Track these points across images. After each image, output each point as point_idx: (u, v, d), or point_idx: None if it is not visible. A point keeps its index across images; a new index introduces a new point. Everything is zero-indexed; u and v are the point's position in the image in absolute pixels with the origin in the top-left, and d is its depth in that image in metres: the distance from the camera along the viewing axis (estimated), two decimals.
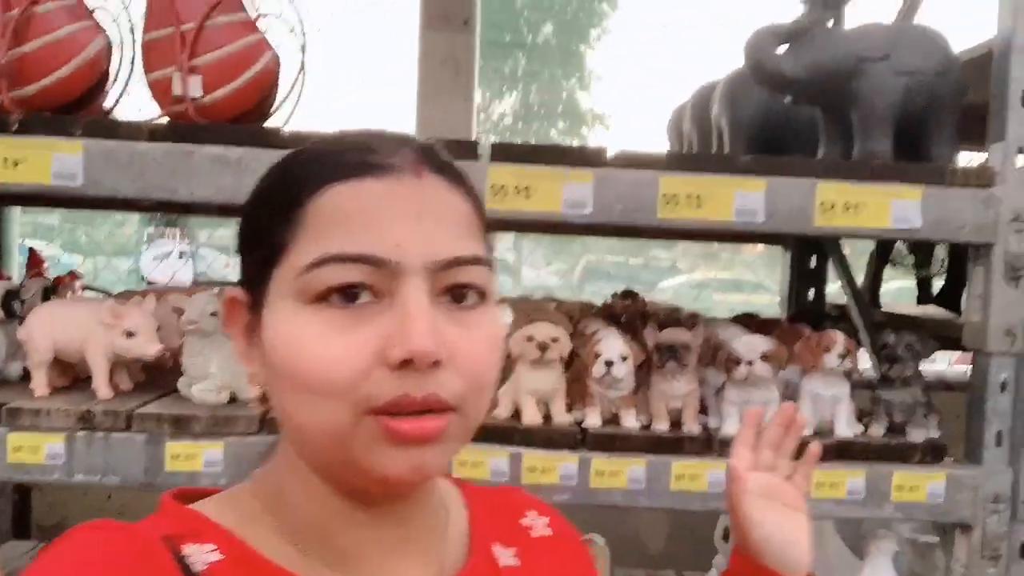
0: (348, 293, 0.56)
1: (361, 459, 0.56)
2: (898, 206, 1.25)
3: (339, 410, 0.55)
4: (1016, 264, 1.26)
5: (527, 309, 1.76)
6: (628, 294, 2.10)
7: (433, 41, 2.33)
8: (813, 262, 2.17)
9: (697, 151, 1.76)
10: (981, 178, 1.27)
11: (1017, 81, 1.26)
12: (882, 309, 1.90)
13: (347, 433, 0.55)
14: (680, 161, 1.27)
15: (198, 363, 1.33)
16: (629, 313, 1.79)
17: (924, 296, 1.96)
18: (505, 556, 0.69)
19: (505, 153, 1.25)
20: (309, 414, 0.56)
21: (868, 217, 1.25)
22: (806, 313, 2.07)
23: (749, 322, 1.66)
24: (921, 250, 1.93)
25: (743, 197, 1.25)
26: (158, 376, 1.47)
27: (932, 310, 1.90)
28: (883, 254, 1.95)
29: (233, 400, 1.32)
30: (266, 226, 0.59)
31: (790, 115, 1.56)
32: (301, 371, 0.56)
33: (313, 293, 0.56)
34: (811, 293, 2.19)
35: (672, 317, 1.79)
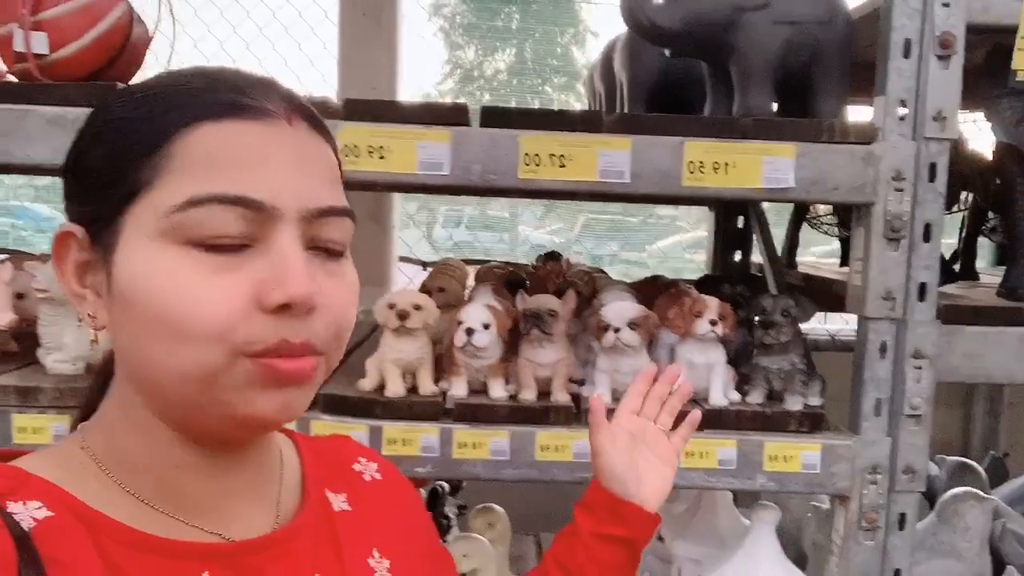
0: (224, 235, 0.55)
1: (231, 401, 0.56)
2: (770, 165, 1.19)
3: (211, 352, 0.54)
4: (896, 225, 1.20)
5: (435, 271, 1.72)
6: (551, 256, 2.05)
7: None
8: (740, 223, 2.11)
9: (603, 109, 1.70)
10: (860, 134, 1.21)
11: (898, 31, 1.19)
12: (799, 270, 1.85)
13: (219, 374, 0.55)
14: (542, 120, 1.20)
15: (52, 333, 1.29)
16: (541, 277, 1.74)
17: (848, 257, 1.90)
18: (337, 501, 0.71)
19: (358, 111, 1.19)
20: (176, 357, 0.55)
21: (739, 177, 1.19)
22: (730, 275, 2.02)
23: (662, 285, 1.61)
24: (845, 210, 1.87)
25: (607, 157, 1.19)
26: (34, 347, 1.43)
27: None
28: (801, 214, 1.89)
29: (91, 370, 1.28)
30: (121, 161, 0.56)
31: (690, 70, 1.49)
32: (173, 313, 0.54)
33: (185, 233, 0.54)
34: (739, 255, 2.14)
35: (584, 281, 1.74)
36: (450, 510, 1.90)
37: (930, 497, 1.89)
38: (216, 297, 0.54)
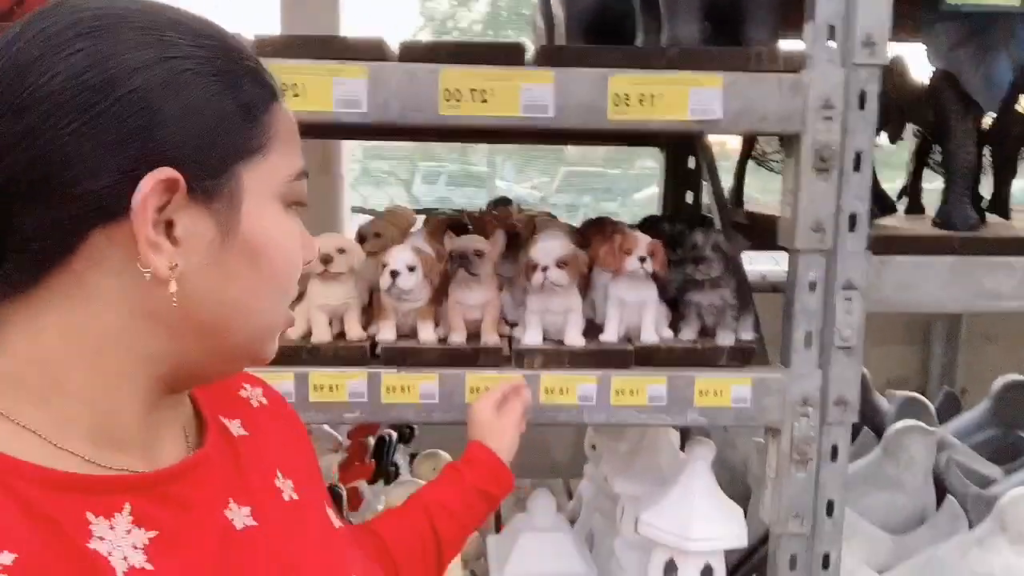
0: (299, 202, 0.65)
1: (268, 344, 0.65)
2: (697, 95, 1.16)
3: (286, 304, 0.65)
4: (824, 154, 1.18)
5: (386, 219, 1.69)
6: (501, 202, 2.02)
7: None
8: (691, 163, 2.08)
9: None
10: (788, 62, 1.18)
11: None
12: (745, 209, 1.83)
13: (280, 322, 0.65)
14: (462, 54, 1.16)
15: None
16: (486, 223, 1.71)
17: None
18: (234, 427, 0.72)
19: (270, 47, 1.15)
20: (273, 310, 0.63)
21: (666, 108, 1.16)
22: (680, 216, 2.00)
23: (608, 227, 1.58)
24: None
25: (530, 91, 1.16)
26: None
27: None
28: (747, 152, 1.87)
29: None
30: (233, 116, 0.58)
31: (627, 4, 1.45)
32: (289, 271, 0.63)
33: (289, 200, 0.62)
34: (690, 195, 2.11)
35: (528, 225, 1.72)
36: (400, 458, 1.90)
37: (880, 432, 1.91)
38: (298, 257, 0.64)
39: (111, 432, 0.59)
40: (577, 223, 1.69)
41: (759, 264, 2.85)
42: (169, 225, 0.56)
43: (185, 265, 0.56)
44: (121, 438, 0.60)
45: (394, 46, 1.18)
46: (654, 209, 2.14)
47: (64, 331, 0.56)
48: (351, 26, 2.44)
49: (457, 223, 1.69)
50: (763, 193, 2.69)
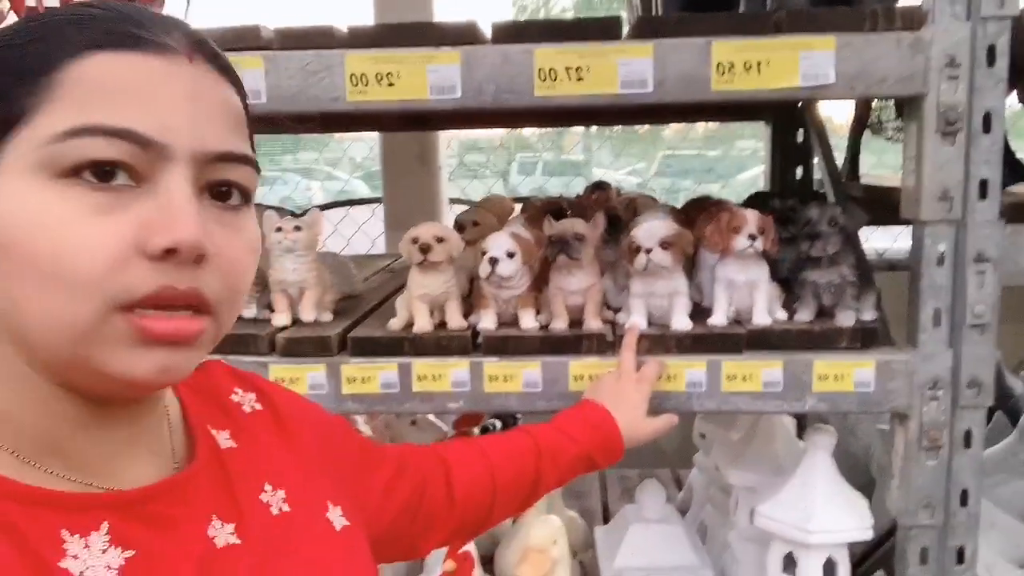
0: (104, 171, 0.50)
1: (103, 359, 0.52)
2: (808, 60, 1.09)
3: (85, 303, 0.50)
4: (950, 117, 1.09)
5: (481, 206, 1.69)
6: (599, 186, 1.98)
7: None
8: (800, 137, 1.99)
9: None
10: (908, 20, 1.10)
11: None
12: (862, 182, 1.72)
13: (90, 330, 0.51)
14: (556, 31, 1.13)
15: None
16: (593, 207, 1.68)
17: None
18: (222, 438, 0.68)
19: (364, 37, 1.15)
20: (45, 305, 0.50)
21: (774, 76, 1.10)
22: (789, 191, 1.91)
23: (710, 206, 1.52)
24: None
25: (627, 66, 1.11)
26: None
27: None
28: (862, 121, 1.76)
29: None
30: (1, 89, 0.51)
31: None
32: (43, 255, 0.49)
33: (63, 166, 0.50)
34: (800, 171, 2.02)
35: (627, 206, 1.67)
36: None
37: (1015, 416, 1.78)
38: (94, 240, 0.50)
39: (62, 452, 0.56)
40: (679, 206, 1.63)
41: (876, 241, 2.71)
42: None
43: None
44: (74, 458, 0.57)
45: (486, 28, 1.16)
46: (758, 190, 2.06)
47: None
48: (444, 17, 2.44)
49: (556, 208, 1.66)
50: (877, 168, 2.55)
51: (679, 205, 1.63)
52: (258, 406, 0.74)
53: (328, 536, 0.71)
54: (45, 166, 0.50)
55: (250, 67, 1.13)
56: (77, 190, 0.50)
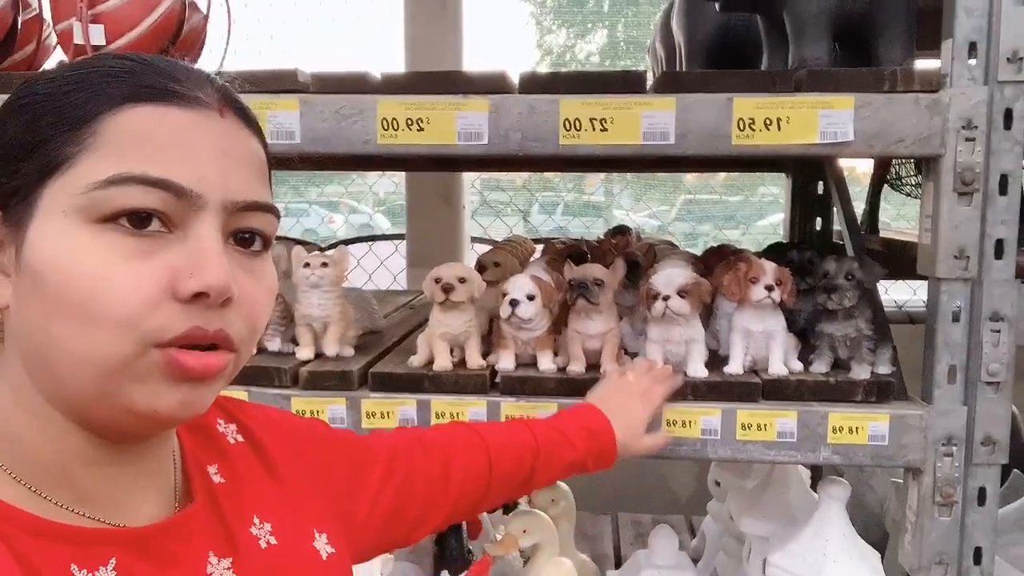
0: (140, 218, 0.54)
1: (131, 393, 0.55)
2: (827, 118, 1.12)
3: (120, 340, 0.53)
4: (967, 177, 1.11)
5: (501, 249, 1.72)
6: (619, 230, 2.01)
7: None
8: (820, 188, 2.01)
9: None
10: (926, 82, 1.12)
11: None
12: (880, 235, 1.74)
13: (124, 366, 0.54)
14: (582, 83, 1.17)
15: None
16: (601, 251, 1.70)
17: None
18: (212, 472, 0.70)
19: (396, 84, 1.19)
20: (83, 342, 0.53)
21: (793, 133, 1.13)
22: (808, 243, 1.93)
23: (729, 254, 1.54)
24: None
25: (651, 118, 1.15)
26: None
27: None
28: (881, 176, 1.78)
29: None
30: (44, 136, 0.54)
31: (750, 27, 1.43)
32: (81, 295, 0.53)
33: (102, 212, 0.53)
34: (819, 221, 2.04)
35: (646, 252, 1.70)
36: None
37: None
38: (130, 282, 0.53)
39: (74, 486, 0.58)
40: (698, 251, 1.65)
41: (896, 293, 2.71)
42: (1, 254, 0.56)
43: (6, 295, 0.56)
44: (85, 493, 0.59)
45: (514, 78, 1.20)
46: (778, 237, 2.08)
47: (5, 387, 0.58)
48: (472, 61, 2.50)
49: (576, 251, 1.69)
50: (896, 220, 2.57)
51: (699, 250, 1.66)
52: (240, 438, 0.75)
53: (315, 567, 0.73)
54: (84, 211, 0.53)
55: (286, 109, 1.18)
56: (114, 235, 0.53)
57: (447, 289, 1.22)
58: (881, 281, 1.33)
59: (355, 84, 1.19)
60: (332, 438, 0.87)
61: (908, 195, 1.76)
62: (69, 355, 0.54)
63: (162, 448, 0.65)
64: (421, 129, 1.17)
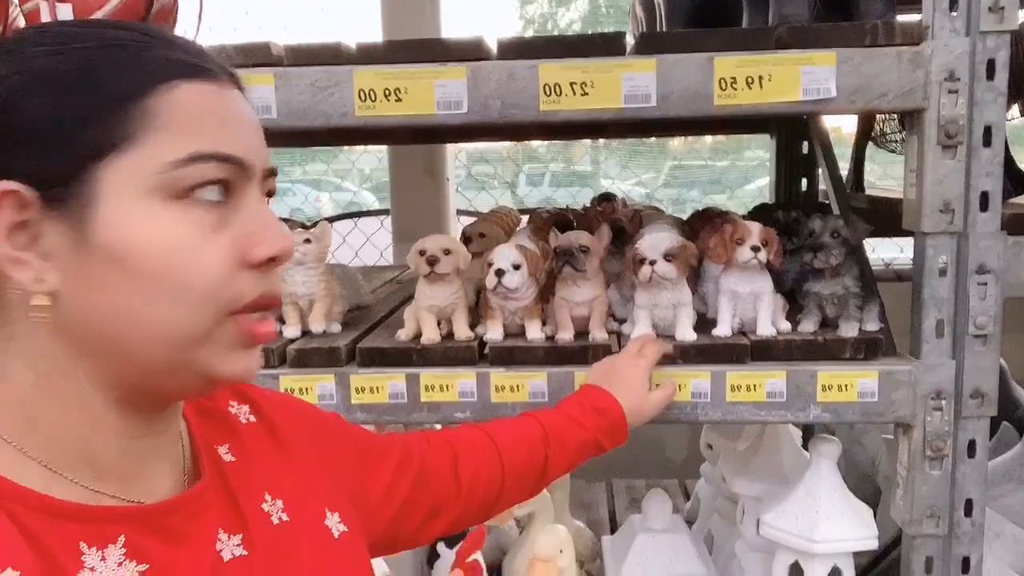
0: (216, 192, 0.56)
1: (210, 361, 0.58)
2: (809, 75, 1.11)
3: (205, 312, 0.56)
4: (951, 130, 1.10)
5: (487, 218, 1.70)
6: (605, 197, 2.00)
7: None
8: (805, 148, 2.00)
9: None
10: (908, 35, 1.11)
11: None
12: (866, 193, 1.74)
13: (205, 335, 0.56)
14: (561, 47, 1.15)
15: None
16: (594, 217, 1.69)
17: None
18: (223, 452, 0.71)
19: (372, 53, 1.17)
20: (171, 316, 0.55)
21: (776, 90, 1.11)
22: (794, 203, 1.93)
23: (715, 217, 1.54)
24: None
25: (631, 81, 1.13)
26: None
27: None
28: (865, 133, 1.77)
29: None
30: (83, 114, 0.54)
31: None
32: (175, 272, 0.55)
33: (180, 188, 0.55)
34: (805, 182, 2.03)
35: (632, 218, 1.69)
36: None
37: (1021, 427, 1.79)
38: (213, 255, 0.56)
39: (94, 462, 0.59)
40: (685, 216, 1.64)
41: (882, 252, 2.72)
42: (37, 238, 0.54)
43: (56, 278, 0.54)
44: (105, 468, 0.59)
45: (492, 44, 1.18)
46: (765, 199, 2.07)
47: (21, 368, 0.57)
48: (451, 31, 2.47)
49: (562, 220, 1.67)
50: (884, 179, 2.56)
51: (686, 215, 1.65)
52: (252, 418, 0.76)
53: (328, 544, 0.73)
54: (163, 189, 0.55)
55: (261, 83, 1.15)
56: (194, 210, 0.55)
57: (432, 261, 1.21)
58: (868, 239, 1.33)
59: (330, 55, 1.16)
60: (347, 430, 0.88)
61: (893, 151, 1.75)
62: (151, 330, 0.55)
63: (175, 424, 0.66)
64: (399, 99, 1.15)
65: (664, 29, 1.50)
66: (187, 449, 0.68)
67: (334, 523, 0.75)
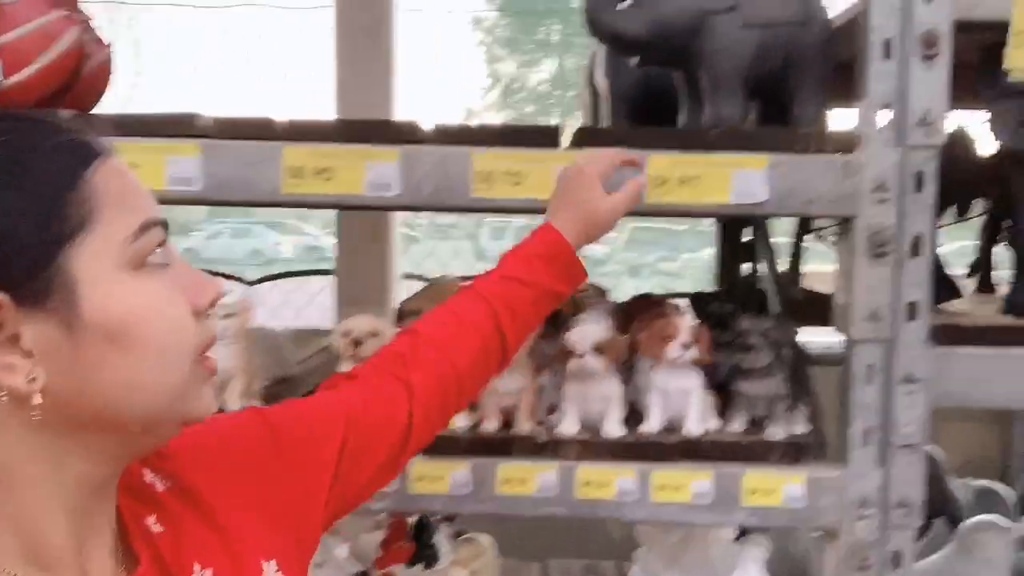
0: (161, 254, 0.60)
1: (190, 402, 0.61)
2: (740, 178, 1.11)
3: (186, 363, 0.60)
4: (880, 239, 1.11)
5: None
6: None
7: (350, 6, 2.21)
8: (747, 235, 2.01)
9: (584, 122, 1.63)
10: (840, 143, 1.12)
11: (877, 31, 1.10)
12: (802, 287, 1.74)
13: (187, 381, 0.60)
14: (496, 136, 1.14)
15: None
16: None
17: None
18: (151, 523, 0.68)
19: (303, 133, 1.15)
20: (164, 375, 0.59)
21: (706, 191, 1.12)
22: (735, 290, 1.93)
23: (653, 304, 1.52)
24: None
25: None
26: None
27: None
28: (804, 225, 1.79)
29: None
30: (36, 214, 0.55)
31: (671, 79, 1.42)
32: (165, 335, 0.58)
33: (140, 258, 0.58)
34: (747, 267, 2.04)
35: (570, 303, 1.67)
36: (443, 539, 1.84)
37: (955, 523, 1.78)
38: (180, 311, 0.60)
39: (42, 554, 0.58)
40: (640, 282, 1.63)
41: (827, 335, 2.73)
42: (17, 339, 0.54)
43: (46, 373, 0.55)
44: (53, 559, 0.58)
45: (427, 128, 1.17)
46: (701, 290, 2.07)
47: None
48: (416, 89, 2.45)
49: None
50: (826, 261, 2.58)
51: (642, 281, 1.64)
52: (168, 483, 0.72)
53: None
54: (129, 262, 0.58)
55: (186, 154, 1.13)
56: (154, 274, 0.59)
57: (356, 343, 1.18)
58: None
59: (259, 130, 1.14)
60: (273, 432, 0.79)
61: (831, 246, 1.76)
62: (145, 393, 0.58)
63: (114, 494, 0.65)
64: (329, 179, 1.13)
65: (609, 113, 1.50)
66: (114, 531, 0.66)
67: (271, 573, 0.72)
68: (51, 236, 0.55)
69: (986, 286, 1.59)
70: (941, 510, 1.83)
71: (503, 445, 1.19)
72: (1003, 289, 1.57)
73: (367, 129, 1.14)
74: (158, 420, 0.60)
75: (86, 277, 0.55)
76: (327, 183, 1.13)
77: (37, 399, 0.54)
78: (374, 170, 1.13)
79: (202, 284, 0.62)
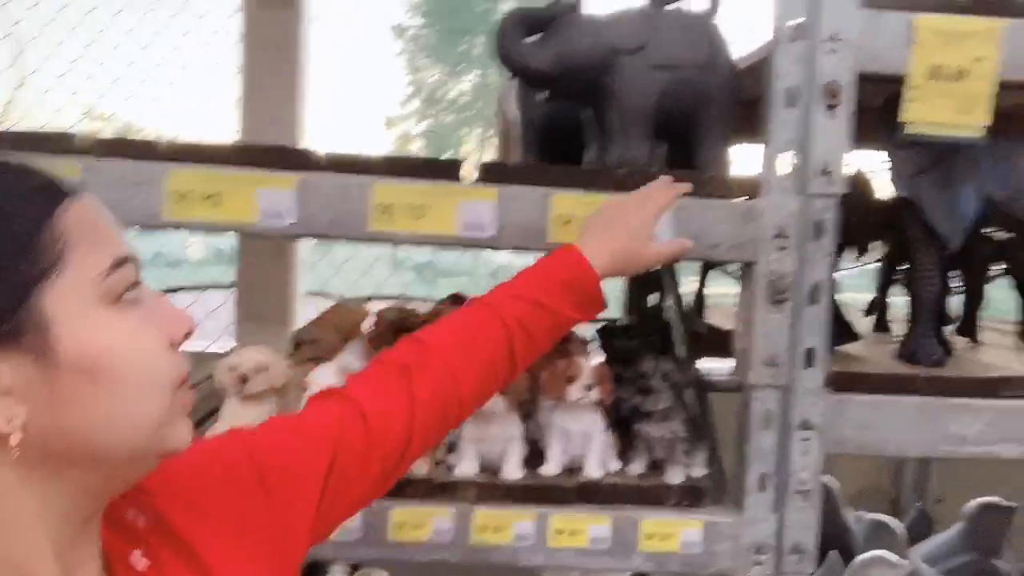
0: (134, 289, 0.60)
1: (169, 435, 0.61)
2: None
3: (164, 397, 0.60)
4: (779, 286, 1.11)
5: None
6: (455, 300, 1.94)
7: (259, 19, 2.13)
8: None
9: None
10: (743, 189, 1.12)
11: (782, 79, 1.11)
12: (706, 321, 1.76)
13: (167, 412, 0.60)
14: (397, 167, 1.10)
15: None
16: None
17: None
18: (136, 558, 0.66)
19: (190, 155, 1.08)
20: (140, 411, 0.58)
21: None
22: (643, 322, 1.93)
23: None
24: None
25: (470, 208, 1.09)
26: None
27: None
28: (708, 261, 1.80)
29: None
30: (8, 255, 0.55)
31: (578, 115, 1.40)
32: (142, 368, 0.58)
33: (115, 294, 0.58)
34: (654, 298, 2.04)
35: None
36: (335, 572, 1.78)
37: (849, 555, 1.81)
38: (156, 344, 0.60)
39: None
40: None
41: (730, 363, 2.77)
42: None
43: (25, 411, 0.55)
44: None
45: (322, 155, 1.12)
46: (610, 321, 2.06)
47: None
48: (330, 101, 2.38)
49: (407, 324, 1.60)
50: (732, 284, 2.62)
51: None
52: (148, 518, 0.69)
53: None
54: (102, 299, 0.57)
55: (65, 174, 1.04)
56: (128, 310, 0.59)
57: (243, 380, 1.11)
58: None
59: (142, 151, 1.07)
60: (258, 457, 0.75)
61: (736, 280, 1.78)
62: (124, 429, 0.58)
63: (98, 525, 0.64)
64: (217, 204, 1.07)
65: (517, 148, 1.47)
66: (99, 563, 0.64)
67: None
68: (23, 277, 0.55)
69: (882, 325, 1.63)
70: (836, 542, 1.87)
71: (398, 487, 1.13)
72: (897, 328, 1.61)
73: (261, 154, 1.08)
74: (137, 454, 0.60)
75: (60, 315, 0.56)
76: (215, 209, 1.07)
77: (16, 437, 0.54)
78: (267, 197, 1.07)
79: (176, 316, 0.62)
